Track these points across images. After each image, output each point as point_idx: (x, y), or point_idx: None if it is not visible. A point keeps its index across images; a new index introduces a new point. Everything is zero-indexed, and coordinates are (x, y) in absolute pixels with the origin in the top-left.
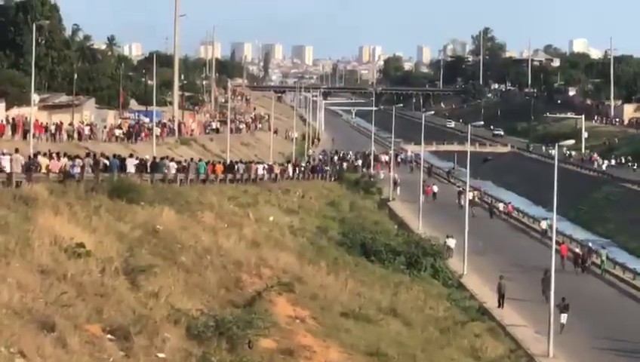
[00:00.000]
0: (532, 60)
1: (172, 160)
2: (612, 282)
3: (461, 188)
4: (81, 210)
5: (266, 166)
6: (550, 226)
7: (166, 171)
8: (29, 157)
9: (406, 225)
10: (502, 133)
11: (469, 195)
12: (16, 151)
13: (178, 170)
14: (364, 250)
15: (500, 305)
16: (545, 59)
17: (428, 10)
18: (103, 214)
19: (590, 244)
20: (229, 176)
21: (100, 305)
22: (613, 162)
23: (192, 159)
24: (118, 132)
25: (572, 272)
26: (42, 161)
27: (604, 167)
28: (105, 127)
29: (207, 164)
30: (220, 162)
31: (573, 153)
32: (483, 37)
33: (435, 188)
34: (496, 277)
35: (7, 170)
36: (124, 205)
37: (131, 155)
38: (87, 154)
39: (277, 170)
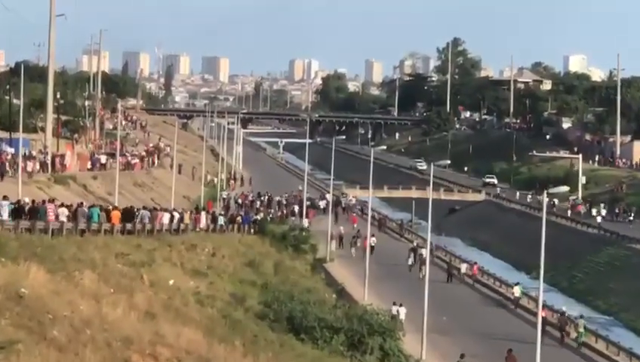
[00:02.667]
0: (515, 82)
1: (62, 204)
2: (590, 357)
3: (414, 244)
4: None
5: (177, 214)
6: (524, 293)
7: (49, 218)
8: None
9: (347, 293)
10: (495, 181)
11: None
12: None
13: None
14: (293, 326)
15: None
16: (532, 80)
17: (380, 15)
18: None
19: (565, 311)
20: (128, 226)
21: None
22: (603, 213)
23: (81, 203)
24: None
25: (547, 344)
26: None
27: (598, 219)
28: None
29: (100, 210)
30: (115, 208)
31: (556, 201)
32: (452, 50)
33: (374, 241)
34: None
35: None
36: None
37: (5, 197)
38: None
39: (188, 219)
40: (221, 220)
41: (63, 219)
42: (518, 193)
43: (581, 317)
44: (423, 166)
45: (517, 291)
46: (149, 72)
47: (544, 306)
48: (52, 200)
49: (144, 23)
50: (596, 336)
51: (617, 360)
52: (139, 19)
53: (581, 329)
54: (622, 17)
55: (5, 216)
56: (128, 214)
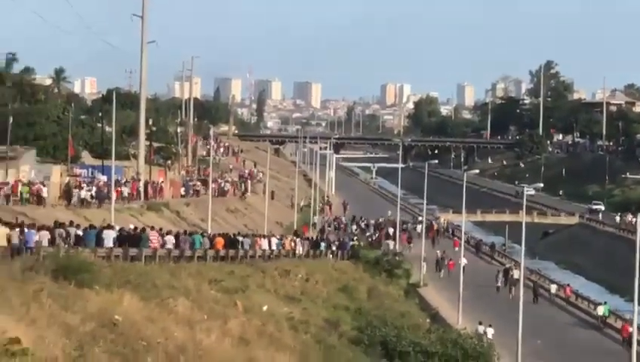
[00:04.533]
0: (608, 104)
1: (169, 232)
2: None
3: (507, 266)
4: (16, 296)
5: (275, 240)
6: (612, 312)
7: (151, 245)
8: None
9: (441, 318)
10: (602, 208)
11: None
12: None
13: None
14: (387, 351)
15: None
16: (625, 102)
17: (472, 38)
18: (44, 301)
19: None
20: (231, 252)
21: None
22: None
23: (185, 231)
24: (84, 193)
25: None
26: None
27: None
28: (44, 185)
29: (202, 236)
30: (219, 234)
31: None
32: (544, 73)
33: (463, 262)
34: None
35: None
36: (73, 289)
37: (110, 226)
38: (57, 224)
39: (289, 245)
40: (322, 246)
41: (170, 246)
42: (617, 217)
43: None
44: (530, 192)
45: (600, 310)
46: (241, 97)
47: (625, 320)
48: (152, 228)
49: (235, 49)
50: None
51: None
52: (230, 45)
53: None
54: None
55: (110, 243)
56: (232, 241)
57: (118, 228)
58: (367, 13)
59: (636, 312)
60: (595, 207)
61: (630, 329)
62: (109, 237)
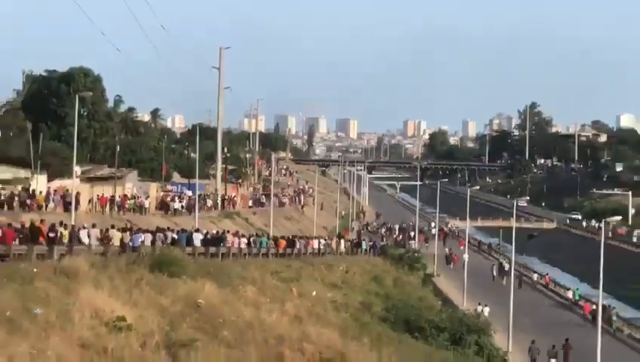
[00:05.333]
0: (579, 135)
1: (242, 235)
2: (619, 337)
3: (500, 261)
4: (122, 284)
5: (322, 241)
6: (581, 296)
7: (228, 245)
8: (101, 231)
9: (450, 301)
10: (580, 217)
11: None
12: (93, 226)
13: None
14: (408, 326)
15: None
16: (592, 134)
17: (474, 84)
18: (143, 288)
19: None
20: (288, 250)
21: None
22: (635, 233)
23: (256, 234)
24: (177, 204)
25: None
26: (114, 234)
27: (634, 239)
28: (147, 198)
29: (268, 239)
30: (282, 237)
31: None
32: (530, 111)
33: (466, 257)
34: (543, 355)
35: (86, 242)
36: (166, 279)
37: (197, 230)
38: (159, 228)
39: (335, 245)
40: (364, 245)
41: (243, 246)
42: (584, 222)
43: (614, 308)
44: (523, 203)
45: (570, 294)
46: (295, 130)
47: (587, 301)
48: (228, 231)
49: (291, 91)
50: (626, 323)
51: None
52: (286, 89)
53: (614, 318)
54: None
55: (198, 243)
56: (291, 242)
57: (204, 231)
58: (391, 66)
59: (601, 296)
60: (573, 216)
61: (590, 308)
62: (197, 238)
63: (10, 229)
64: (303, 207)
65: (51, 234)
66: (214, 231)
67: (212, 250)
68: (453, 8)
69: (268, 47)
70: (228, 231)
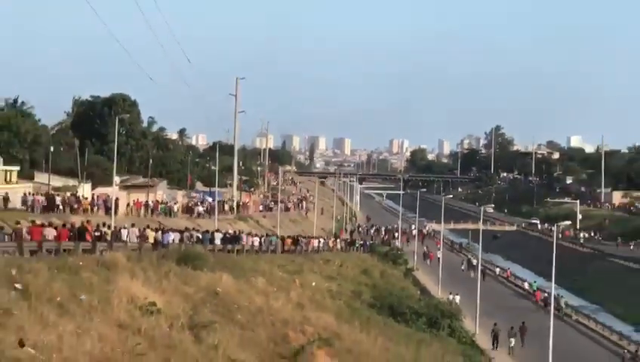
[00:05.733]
0: (536, 153)
1: (255, 234)
2: (566, 320)
3: (469, 257)
4: (154, 275)
5: (321, 240)
6: (538, 288)
7: (243, 243)
8: (139, 230)
9: (427, 291)
10: (538, 222)
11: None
12: (132, 225)
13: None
14: (392, 312)
15: (495, 346)
16: (546, 152)
17: (448, 110)
18: (171, 278)
19: (550, 293)
20: (292, 248)
21: (168, 355)
22: (584, 234)
23: (267, 234)
24: (201, 209)
25: (542, 312)
26: (149, 233)
27: (581, 240)
28: (175, 204)
29: (276, 238)
30: (288, 237)
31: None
32: (495, 133)
33: (439, 254)
34: (503, 336)
35: (125, 240)
36: (190, 271)
37: (218, 230)
38: (186, 229)
39: (332, 244)
40: (357, 244)
41: (256, 244)
42: (539, 225)
43: (562, 297)
44: (491, 210)
45: (526, 285)
46: (299, 147)
47: (539, 289)
48: (242, 232)
49: (296, 114)
50: (574, 310)
51: (586, 323)
52: (291, 112)
53: (563, 305)
54: (607, 109)
55: (218, 242)
56: (295, 241)
57: (223, 231)
58: (380, 95)
59: (553, 287)
60: (533, 221)
61: (540, 296)
62: (218, 237)
63: (64, 229)
64: (307, 212)
65: (97, 233)
66: (231, 232)
67: (229, 247)
68: (434, 51)
69: (277, 78)
70: (242, 232)
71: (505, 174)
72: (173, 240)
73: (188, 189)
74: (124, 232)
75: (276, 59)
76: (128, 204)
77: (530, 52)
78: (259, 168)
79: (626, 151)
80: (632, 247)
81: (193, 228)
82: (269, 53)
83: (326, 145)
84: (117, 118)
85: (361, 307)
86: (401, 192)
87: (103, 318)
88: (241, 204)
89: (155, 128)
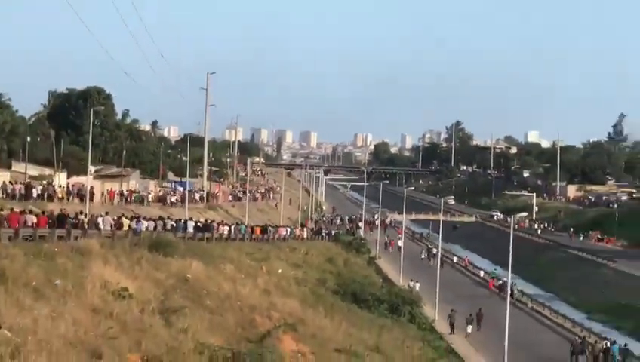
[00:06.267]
0: (494, 148)
1: (225, 223)
2: (519, 307)
3: (429, 246)
4: (126, 261)
5: (288, 229)
6: (494, 277)
7: (214, 231)
8: (114, 219)
9: (389, 279)
10: (498, 213)
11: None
12: (107, 214)
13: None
14: (355, 298)
15: (452, 331)
16: (505, 147)
17: (410, 106)
18: (143, 264)
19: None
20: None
21: (140, 339)
22: (535, 225)
23: (237, 223)
24: (173, 199)
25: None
26: (125, 221)
27: (539, 231)
28: (150, 193)
29: (246, 227)
30: (257, 225)
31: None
32: (455, 128)
33: (400, 243)
34: (460, 321)
35: (102, 228)
36: (161, 258)
37: (190, 219)
38: (160, 218)
39: (298, 232)
40: (322, 233)
41: (225, 232)
42: (495, 216)
43: (515, 283)
44: (451, 201)
45: (482, 273)
46: (267, 140)
47: (493, 278)
48: (213, 221)
49: (263, 109)
50: (529, 298)
51: (539, 310)
52: (260, 107)
53: (516, 291)
54: (563, 106)
55: (191, 230)
56: (264, 229)
57: (195, 220)
58: (345, 91)
59: (510, 276)
60: (492, 213)
61: (493, 283)
62: (191, 226)
63: (44, 217)
64: (275, 203)
65: (75, 221)
66: (202, 220)
67: (200, 235)
68: (397, 51)
69: (248, 75)
70: (213, 221)
71: (465, 168)
72: (147, 228)
73: (160, 179)
74: (99, 220)
75: (248, 56)
76: (103, 193)
77: (489, 52)
78: (228, 159)
79: (581, 146)
80: (581, 238)
81: (168, 217)
82: (241, 50)
83: (293, 139)
84: (92, 110)
85: (325, 293)
86: (365, 184)
87: (77, 302)
88: (210, 193)
89: (128, 120)
